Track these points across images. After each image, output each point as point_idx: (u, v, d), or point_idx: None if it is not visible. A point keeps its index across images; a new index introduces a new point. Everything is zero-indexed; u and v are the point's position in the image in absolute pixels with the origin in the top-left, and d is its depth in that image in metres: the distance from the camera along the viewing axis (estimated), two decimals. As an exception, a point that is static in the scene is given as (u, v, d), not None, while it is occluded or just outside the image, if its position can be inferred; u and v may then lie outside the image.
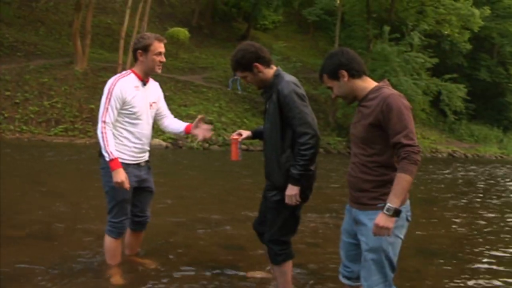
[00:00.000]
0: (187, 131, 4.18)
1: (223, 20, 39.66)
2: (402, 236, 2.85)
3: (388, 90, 2.81)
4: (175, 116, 16.32)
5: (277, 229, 3.54)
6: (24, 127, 19.78)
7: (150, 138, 4.06)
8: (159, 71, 3.89)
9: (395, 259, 2.84)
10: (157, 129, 21.11)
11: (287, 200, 3.36)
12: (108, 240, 4.02)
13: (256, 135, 3.89)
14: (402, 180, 2.61)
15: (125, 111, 3.82)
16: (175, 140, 20.70)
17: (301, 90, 3.41)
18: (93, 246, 4.77)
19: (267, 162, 3.54)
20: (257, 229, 3.90)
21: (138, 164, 3.98)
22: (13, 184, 8.65)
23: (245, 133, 3.86)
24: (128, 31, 25.53)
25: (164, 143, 20.26)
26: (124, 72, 3.99)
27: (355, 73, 2.89)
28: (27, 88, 21.64)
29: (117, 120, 3.84)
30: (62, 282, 3.84)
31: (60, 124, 20.54)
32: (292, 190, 3.34)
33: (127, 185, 3.74)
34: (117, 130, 3.86)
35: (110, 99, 3.77)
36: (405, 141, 2.62)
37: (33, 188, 8.44)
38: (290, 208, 3.45)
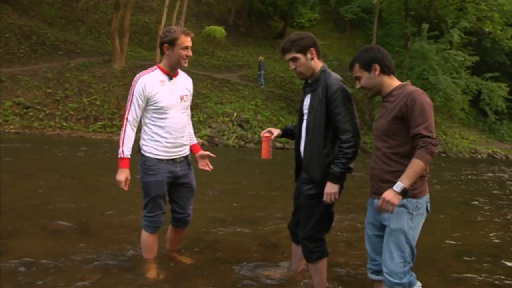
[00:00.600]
0: (193, 151, 4.31)
1: (259, 19, 39.72)
2: (421, 224, 3.03)
3: (412, 87, 3.04)
4: (211, 114, 16.59)
5: (312, 226, 3.54)
6: (64, 124, 20.31)
7: (185, 132, 4.02)
8: (186, 65, 3.84)
9: (414, 245, 2.99)
10: (193, 127, 21.37)
11: (325, 198, 3.36)
12: (144, 235, 4.06)
13: (286, 133, 3.92)
14: (416, 165, 2.78)
15: (152, 106, 3.82)
16: (211, 137, 20.87)
17: (348, 89, 3.45)
18: (130, 240, 4.86)
19: (306, 155, 3.51)
20: (292, 230, 3.91)
21: (173, 160, 3.95)
22: (52, 178, 8.91)
23: (276, 131, 3.89)
24: (166, 30, 25.84)
25: (200, 140, 20.43)
26: (150, 68, 3.98)
27: (386, 70, 3.11)
28: (67, 85, 22.20)
29: (146, 117, 3.88)
30: (98, 275, 3.91)
31: (98, 120, 21.00)
32: (332, 188, 3.34)
33: (123, 186, 3.81)
34: (147, 127, 3.90)
35: (132, 96, 3.82)
36: (425, 132, 2.82)
37: (72, 183, 8.67)
38: (324, 205, 3.44)
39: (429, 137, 2.81)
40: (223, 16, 38.22)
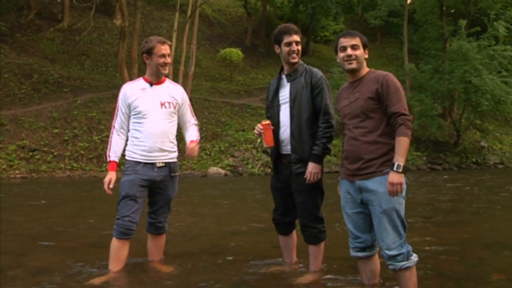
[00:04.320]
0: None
1: (279, 36, 40.46)
2: (405, 197, 3.58)
3: (384, 71, 3.73)
4: (233, 142, 17.38)
5: (314, 207, 4.24)
6: (75, 164, 21.10)
7: (166, 138, 4.49)
8: (165, 71, 4.50)
9: (404, 218, 3.55)
10: (214, 157, 21.95)
11: (308, 177, 4.08)
12: (112, 240, 4.43)
13: None
14: (403, 142, 3.41)
15: (133, 112, 4.46)
16: (234, 167, 21.34)
17: None
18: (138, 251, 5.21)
19: (295, 138, 4.21)
20: (280, 221, 4.50)
21: (152, 164, 4.43)
22: (68, 209, 9.64)
23: None
24: (178, 57, 26.79)
25: (222, 171, 20.91)
26: (136, 79, 4.72)
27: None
28: (75, 124, 23.13)
29: (130, 123, 4.53)
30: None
31: (111, 158, 21.64)
32: (315, 168, 4.09)
33: (106, 186, 4.35)
34: (130, 132, 4.53)
35: (117, 104, 4.54)
36: (402, 111, 3.47)
37: (87, 212, 9.32)
38: (317, 183, 4.16)
39: (406, 114, 3.46)
40: (239, 37, 39.30)
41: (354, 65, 3.69)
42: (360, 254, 3.78)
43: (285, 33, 4.23)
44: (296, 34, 4.23)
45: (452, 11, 33.11)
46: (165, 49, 4.43)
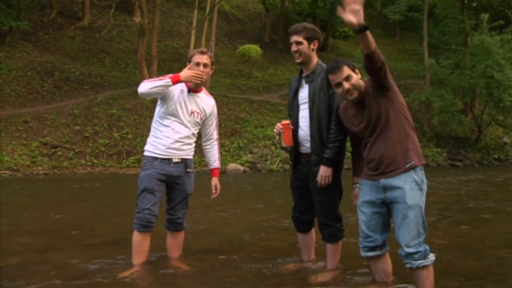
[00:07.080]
0: (212, 174, 4.97)
1: (298, 32, 40.37)
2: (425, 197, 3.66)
3: None
4: (252, 138, 17.41)
5: (333, 205, 4.26)
6: (96, 161, 21.38)
7: (186, 140, 4.63)
8: (198, 81, 4.54)
9: (425, 218, 3.59)
10: (233, 154, 22.04)
11: (319, 180, 4.06)
12: (134, 234, 4.58)
13: None
14: None
15: (163, 108, 4.58)
16: (253, 163, 21.41)
17: None
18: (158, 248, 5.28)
19: (315, 139, 4.19)
20: (299, 218, 4.53)
21: (169, 160, 4.56)
22: (89, 206, 9.78)
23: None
24: (196, 53, 26.85)
25: (241, 168, 20.99)
26: None
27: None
28: (96, 121, 23.40)
29: (154, 121, 4.67)
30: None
31: (131, 155, 21.95)
32: (326, 171, 4.05)
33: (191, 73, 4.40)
34: (152, 129, 4.68)
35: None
36: None
37: (107, 209, 9.48)
38: (335, 183, 4.14)
39: None
40: (258, 33, 39.30)
41: (355, 94, 3.66)
42: (370, 253, 3.81)
43: (290, 34, 4.23)
44: (297, 35, 4.15)
45: (474, 4, 32.74)
46: (200, 58, 4.53)
